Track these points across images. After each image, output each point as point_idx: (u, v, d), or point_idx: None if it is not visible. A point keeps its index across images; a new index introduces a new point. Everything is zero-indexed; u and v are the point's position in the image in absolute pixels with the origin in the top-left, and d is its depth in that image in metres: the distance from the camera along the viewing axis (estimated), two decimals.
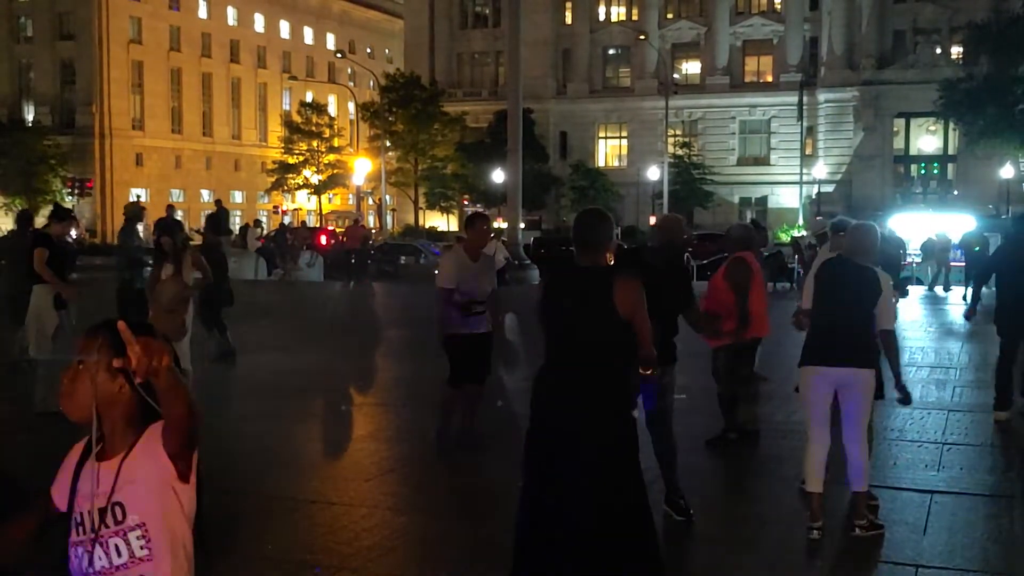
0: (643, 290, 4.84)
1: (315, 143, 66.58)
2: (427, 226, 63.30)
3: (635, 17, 67.24)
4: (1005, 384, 10.40)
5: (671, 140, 59.51)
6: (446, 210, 64.15)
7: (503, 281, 14.91)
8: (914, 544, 6.51)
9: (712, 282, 9.03)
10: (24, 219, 13.06)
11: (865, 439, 6.51)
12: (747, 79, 65.72)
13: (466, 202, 61.73)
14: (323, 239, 41.20)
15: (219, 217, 19.54)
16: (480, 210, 9.11)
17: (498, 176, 50.53)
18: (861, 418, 6.44)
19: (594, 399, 4.77)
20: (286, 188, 68.58)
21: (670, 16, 66.90)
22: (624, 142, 68.04)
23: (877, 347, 6.48)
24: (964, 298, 26.04)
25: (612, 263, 5.16)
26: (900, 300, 24.10)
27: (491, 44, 68.53)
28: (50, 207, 14.44)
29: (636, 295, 4.80)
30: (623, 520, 4.76)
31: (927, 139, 60.36)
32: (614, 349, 4.80)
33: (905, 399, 6.57)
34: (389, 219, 67.72)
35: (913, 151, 60.62)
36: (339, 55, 70.09)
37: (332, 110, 75.29)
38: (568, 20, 68.70)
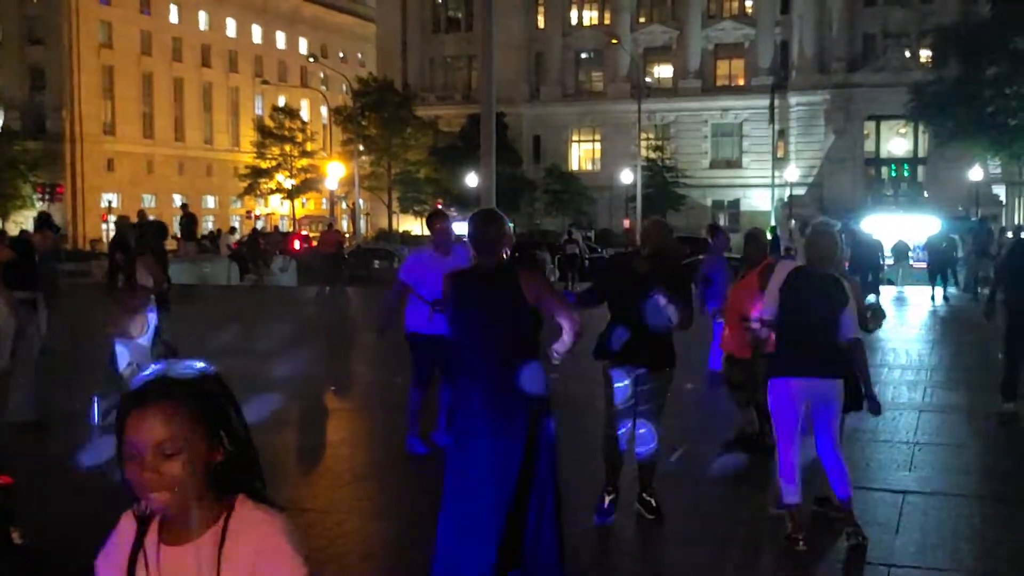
0: (544, 277, 5.37)
1: (288, 148, 66.39)
2: (401, 230, 63.19)
3: (607, 21, 67.42)
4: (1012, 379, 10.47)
5: (644, 143, 59.68)
6: (420, 214, 64.05)
7: None
8: (886, 544, 6.55)
9: (745, 288, 8.65)
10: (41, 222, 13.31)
11: (841, 447, 6.49)
12: (719, 83, 66.02)
13: (440, 205, 61.70)
14: (296, 244, 41.09)
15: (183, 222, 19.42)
16: (441, 208, 9.14)
17: (471, 180, 50.54)
18: (836, 426, 6.41)
19: (512, 395, 5.01)
20: (259, 193, 68.33)
21: (642, 20, 67.12)
22: (597, 146, 68.19)
23: (847, 355, 6.43)
24: (932, 298, 26.26)
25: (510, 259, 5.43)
26: (872, 300, 24.21)
27: (463, 48, 68.53)
28: (21, 213, 14.43)
29: (540, 281, 5.24)
30: (533, 515, 5.04)
31: (897, 142, 60.85)
32: (528, 343, 5.14)
33: (874, 409, 6.59)
34: (363, 223, 67.55)
35: (884, 154, 61.08)
36: (311, 59, 69.85)
37: (305, 115, 75.05)
38: (540, 24, 68.80)
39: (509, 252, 5.39)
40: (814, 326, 6.31)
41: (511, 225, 5.59)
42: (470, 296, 5.25)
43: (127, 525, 2.12)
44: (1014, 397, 10.43)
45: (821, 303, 6.32)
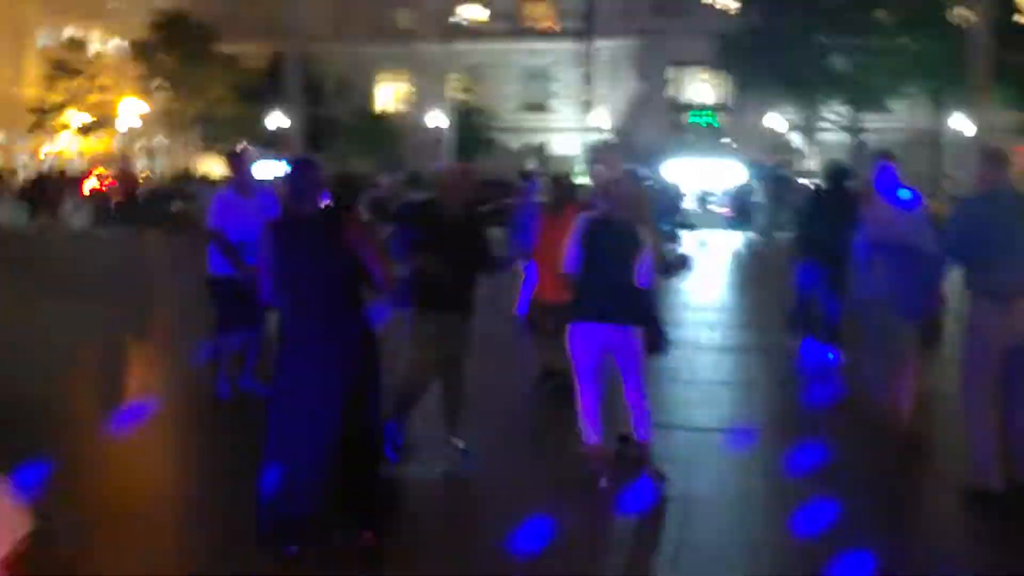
0: (366, 227, 5.62)
1: (79, 81, 62.80)
2: (201, 172, 60.98)
3: None
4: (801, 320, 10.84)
5: (453, 85, 59.35)
6: (223, 153, 61.98)
7: None
8: (685, 479, 6.66)
9: (557, 232, 8.67)
10: None
11: (646, 391, 6.58)
12: (528, 24, 66.11)
13: (241, 146, 59.85)
14: (88, 185, 38.96)
15: None
16: (239, 148, 8.85)
17: (276, 120, 49.17)
18: (639, 370, 6.51)
19: (343, 327, 5.25)
20: (47, 130, 64.54)
21: None
22: (406, 86, 67.43)
23: (646, 301, 6.56)
24: (741, 244, 27.18)
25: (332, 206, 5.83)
26: (675, 245, 24.81)
27: None
28: None
29: (362, 230, 5.38)
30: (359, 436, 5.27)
31: (702, 88, 62.47)
32: (353, 287, 5.33)
33: (660, 347, 6.86)
34: (161, 164, 64.92)
35: (687, 100, 62.65)
36: None
37: (97, 47, 71.13)
38: None
39: (327, 198, 5.63)
40: (611, 273, 6.41)
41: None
42: (293, 243, 5.34)
43: None
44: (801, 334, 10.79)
45: (617, 250, 6.41)
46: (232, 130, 59.59)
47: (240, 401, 8.41)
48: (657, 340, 6.87)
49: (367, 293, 5.42)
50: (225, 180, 8.84)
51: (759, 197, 30.50)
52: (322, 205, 5.54)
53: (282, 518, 5.17)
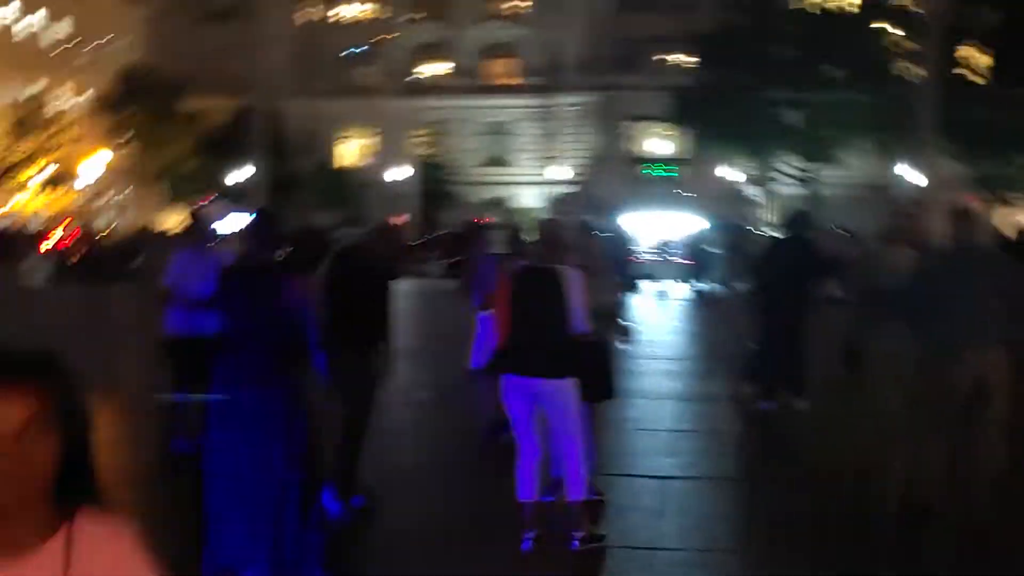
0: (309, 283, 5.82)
1: (41, 139, 62.57)
2: (164, 225, 60.77)
3: (380, 15, 67.10)
4: (770, 376, 10.77)
5: (417, 140, 59.74)
6: (189, 207, 61.80)
7: None
8: (651, 528, 6.77)
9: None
10: None
11: (579, 447, 6.20)
12: (491, 81, 66.82)
13: (206, 201, 59.79)
14: (48, 242, 38.75)
15: None
16: (199, 206, 9.19)
17: (240, 175, 49.24)
18: (570, 426, 6.16)
19: (274, 389, 5.30)
20: (9, 189, 64.10)
21: (415, 16, 67.12)
22: (370, 141, 67.76)
23: (587, 349, 6.27)
24: (699, 294, 27.46)
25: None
26: (631, 295, 25.13)
27: (232, 38, 66.56)
28: None
29: (304, 287, 5.54)
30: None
31: (661, 142, 63.29)
32: (295, 341, 5.45)
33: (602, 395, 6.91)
34: (125, 219, 64.60)
35: (647, 154, 63.47)
36: (72, 44, 66.00)
37: (64, 103, 70.94)
38: (312, 15, 67.71)
39: (283, 249, 5.82)
40: (537, 323, 6.12)
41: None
42: (243, 290, 5.45)
43: None
44: (772, 394, 10.76)
45: (543, 298, 6.14)
46: (196, 184, 59.60)
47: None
48: (599, 388, 6.74)
49: (301, 352, 5.52)
50: (185, 237, 8.86)
51: (716, 247, 30.90)
52: (276, 257, 5.71)
53: (221, 569, 5.26)
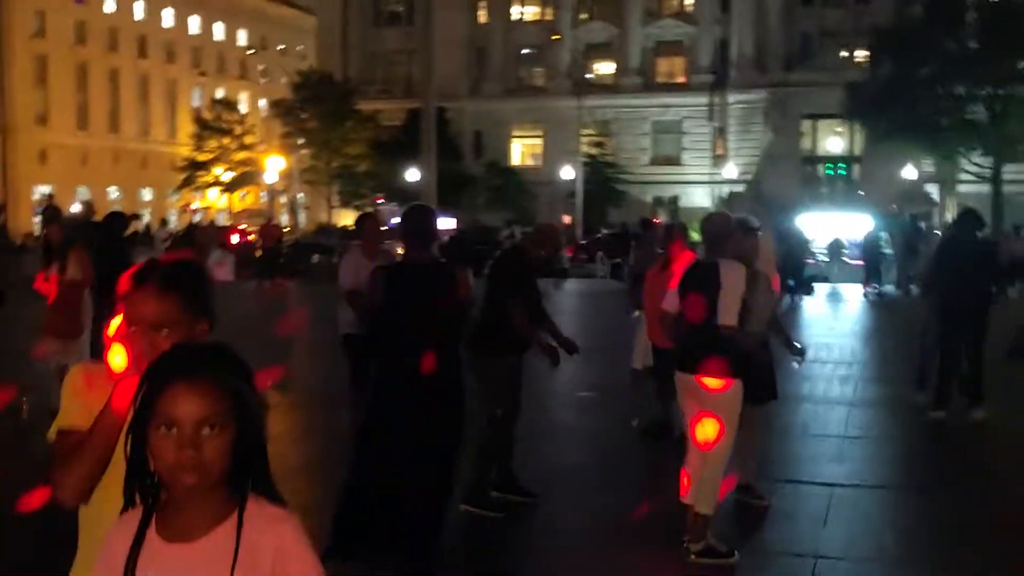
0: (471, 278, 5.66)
1: (226, 140, 65.61)
2: (341, 225, 62.75)
3: (549, 17, 67.54)
4: (944, 384, 10.29)
5: (585, 140, 59.92)
6: (360, 208, 63.62)
7: None
8: (814, 536, 6.68)
9: (661, 280, 8.28)
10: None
11: (714, 457, 5.92)
12: (659, 80, 66.43)
13: (380, 201, 61.45)
14: (233, 238, 40.64)
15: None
16: (369, 210, 9.30)
17: (412, 175, 50.34)
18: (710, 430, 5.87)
19: (436, 385, 5.31)
20: (197, 186, 67.48)
21: (583, 17, 67.31)
22: (538, 141, 68.29)
23: (731, 347, 5.95)
24: (865, 295, 26.72)
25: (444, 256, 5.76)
26: (806, 297, 24.63)
27: (404, 42, 68.17)
28: None
29: (469, 283, 5.51)
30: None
31: (834, 140, 61.70)
32: (453, 337, 5.48)
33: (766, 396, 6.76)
34: (302, 218, 67.07)
35: (820, 152, 61.92)
36: (251, 51, 69.06)
37: (244, 107, 74.24)
38: (482, 19, 68.72)
39: (441, 247, 5.68)
40: (697, 318, 5.97)
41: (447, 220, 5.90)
42: (402, 288, 5.43)
43: (126, 520, 1.89)
44: (944, 402, 10.27)
45: (698, 291, 6.01)
46: (369, 185, 61.36)
47: None
48: (757, 388, 6.45)
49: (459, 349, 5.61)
50: (358, 236, 9.05)
51: (891, 248, 29.94)
52: (436, 255, 5.70)
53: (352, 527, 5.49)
